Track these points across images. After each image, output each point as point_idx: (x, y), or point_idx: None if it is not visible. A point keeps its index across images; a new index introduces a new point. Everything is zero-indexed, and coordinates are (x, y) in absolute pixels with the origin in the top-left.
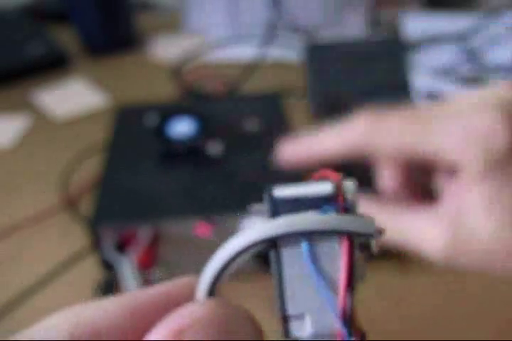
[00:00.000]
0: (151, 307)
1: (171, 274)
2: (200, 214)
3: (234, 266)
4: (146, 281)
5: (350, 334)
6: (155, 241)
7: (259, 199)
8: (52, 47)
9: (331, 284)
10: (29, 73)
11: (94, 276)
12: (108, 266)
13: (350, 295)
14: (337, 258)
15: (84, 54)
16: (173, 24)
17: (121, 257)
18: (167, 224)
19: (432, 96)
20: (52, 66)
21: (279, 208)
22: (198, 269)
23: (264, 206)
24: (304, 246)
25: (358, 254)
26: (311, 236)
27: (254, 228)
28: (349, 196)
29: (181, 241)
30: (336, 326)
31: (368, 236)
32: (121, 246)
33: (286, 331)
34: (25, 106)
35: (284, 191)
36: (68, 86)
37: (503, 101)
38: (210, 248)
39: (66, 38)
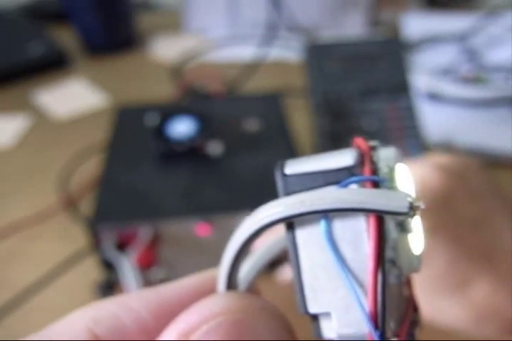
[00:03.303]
0: (175, 303)
1: (171, 274)
2: (200, 214)
3: (273, 255)
4: (146, 281)
5: (382, 335)
6: (155, 241)
7: (259, 199)
8: (52, 47)
9: (357, 274)
10: (29, 73)
11: (94, 276)
12: (108, 266)
13: (382, 289)
14: (363, 240)
15: (84, 54)
16: (173, 24)
17: (121, 257)
18: (167, 224)
19: (432, 96)
20: (52, 66)
21: (292, 185)
22: (197, 269)
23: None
24: (322, 227)
25: (395, 235)
26: (329, 215)
27: (261, 210)
28: (383, 166)
29: (181, 241)
30: (366, 326)
31: (399, 214)
32: (121, 246)
33: (316, 330)
34: (25, 106)
35: (296, 165)
36: (68, 86)
37: (434, 162)
38: (210, 248)
39: (66, 38)
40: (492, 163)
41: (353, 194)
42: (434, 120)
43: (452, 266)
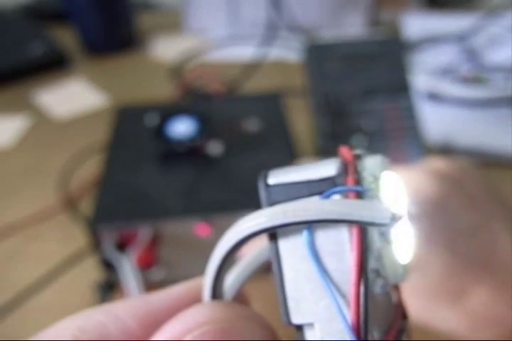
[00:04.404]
0: (163, 312)
1: (171, 274)
2: (200, 214)
3: (260, 264)
4: (146, 281)
5: None
6: (155, 241)
7: (259, 200)
8: (52, 47)
9: (340, 285)
10: (29, 73)
11: (94, 276)
12: (108, 266)
13: (365, 300)
14: (346, 251)
15: (84, 54)
16: (173, 24)
17: (121, 257)
18: (167, 224)
19: (432, 96)
20: (52, 66)
21: (275, 196)
22: (197, 269)
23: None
24: (304, 237)
25: (379, 244)
26: (312, 225)
27: (244, 220)
28: (367, 175)
29: (181, 241)
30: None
31: (381, 225)
32: (121, 246)
33: (299, 340)
34: (25, 106)
35: (280, 175)
36: (68, 86)
37: (430, 168)
38: (210, 248)
39: (66, 38)
40: (492, 163)
41: (334, 205)
42: (434, 120)
43: (449, 274)
